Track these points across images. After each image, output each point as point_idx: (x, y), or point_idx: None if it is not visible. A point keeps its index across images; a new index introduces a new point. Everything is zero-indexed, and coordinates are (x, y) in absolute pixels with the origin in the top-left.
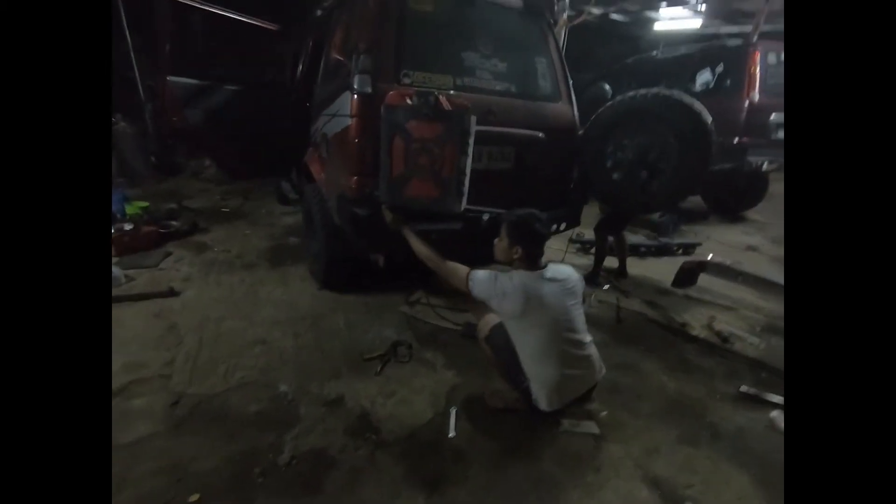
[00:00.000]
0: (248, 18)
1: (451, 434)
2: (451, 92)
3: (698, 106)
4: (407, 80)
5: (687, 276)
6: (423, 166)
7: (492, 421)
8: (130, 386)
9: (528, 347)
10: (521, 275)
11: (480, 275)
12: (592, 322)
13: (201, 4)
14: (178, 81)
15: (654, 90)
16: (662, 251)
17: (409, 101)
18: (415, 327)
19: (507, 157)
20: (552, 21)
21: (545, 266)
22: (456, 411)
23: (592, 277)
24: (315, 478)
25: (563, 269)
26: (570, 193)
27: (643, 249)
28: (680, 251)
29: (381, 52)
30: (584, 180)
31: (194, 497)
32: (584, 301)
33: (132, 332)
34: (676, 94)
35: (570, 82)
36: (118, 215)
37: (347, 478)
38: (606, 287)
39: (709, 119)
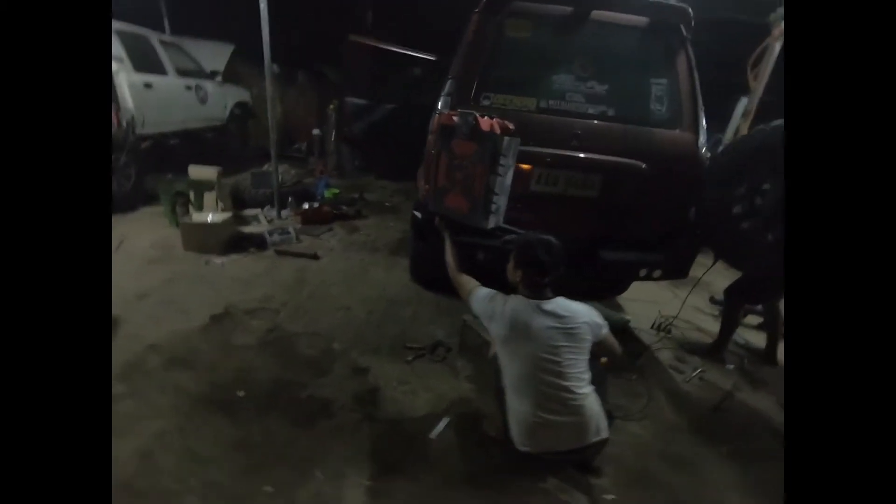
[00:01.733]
0: (410, 51)
1: (432, 436)
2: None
3: None
4: (486, 103)
5: None
6: (458, 181)
7: (476, 444)
8: (258, 310)
9: (509, 377)
10: (517, 300)
11: (481, 292)
12: (680, 399)
13: (375, 43)
14: (352, 101)
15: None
16: None
17: (454, 121)
18: (466, 336)
19: (591, 184)
20: (686, 37)
21: (552, 298)
22: (448, 421)
23: (715, 350)
24: (311, 416)
25: (574, 306)
26: (677, 237)
27: None
28: None
29: (466, 76)
30: (701, 225)
31: (241, 392)
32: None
33: (279, 276)
34: None
35: (700, 106)
36: (318, 196)
37: (331, 428)
38: (731, 367)
39: None
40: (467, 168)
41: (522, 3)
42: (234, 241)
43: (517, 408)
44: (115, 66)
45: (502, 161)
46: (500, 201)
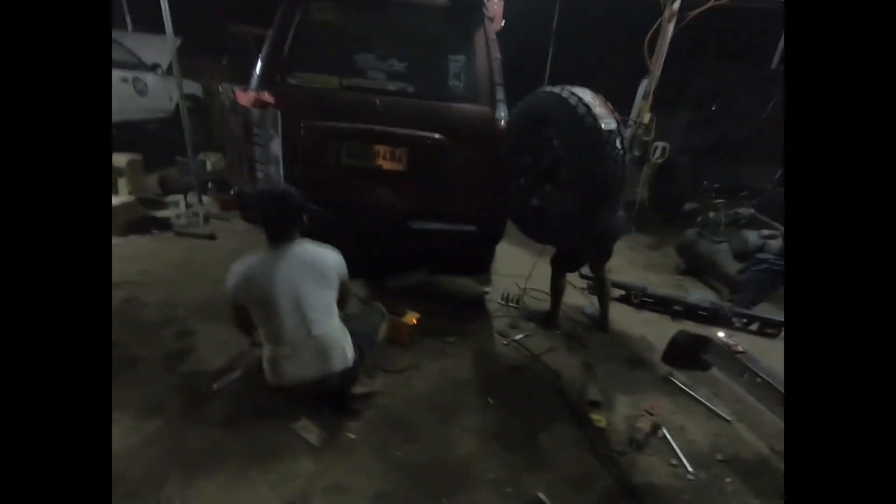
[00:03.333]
0: None
1: (215, 387)
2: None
3: (585, 105)
4: (293, 81)
5: (679, 352)
6: (234, 154)
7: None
8: (124, 283)
9: (259, 322)
10: (252, 258)
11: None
12: (486, 358)
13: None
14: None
15: (550, 87)
16: (715, 319)
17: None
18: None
19: (399, 158)
20: (488, 17)
21: (293, 243)
22: (240, 375)
23: (548, 317)
24: (115, 370)
25: (319, 250)
26: (485, 208)
27: (677, 309)
28: (742, 325)
29: (273, 57)
30: (502, 197)
31: None
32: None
33: (167, 254)
34: (563, 89)
35: (497, 81)
36: None
37: (128, 379)
38: (557, 332)
39: (603, 124)
40: (237, 141)
41: None
42: (138, 224)
43: (267, 347)
44: None
45: (257, 131)
46: (268, 170)
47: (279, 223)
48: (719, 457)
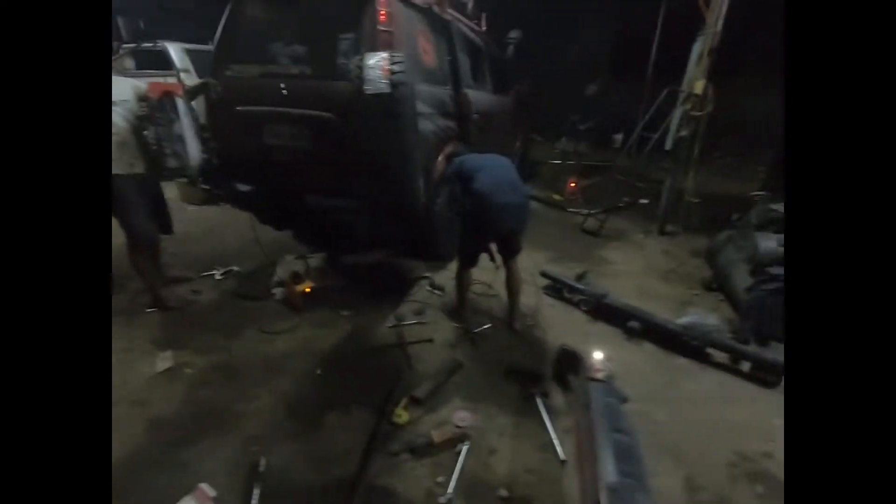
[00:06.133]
0: None
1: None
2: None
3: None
4: (229, 73)
5: (556, 369)
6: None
7: None
8: None
9: None
10: None
11: None
12: (357, 332)
13: None
14: None
15: None
16: (685, 348)
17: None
18: None
19: (303, 136)
20: None
21: None
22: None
23: (456, 312)
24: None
25: None
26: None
27: (633, 325)
28: (729, 362)
29: (217, 52)
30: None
31: None
32: None
33: None
34: None
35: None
36: None
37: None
38: (457, 326)
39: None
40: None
41: None
42: (208, 198)
43: None
44: None
45: (158, 115)
46: (178, 147)
47: None
48: (502, 493)
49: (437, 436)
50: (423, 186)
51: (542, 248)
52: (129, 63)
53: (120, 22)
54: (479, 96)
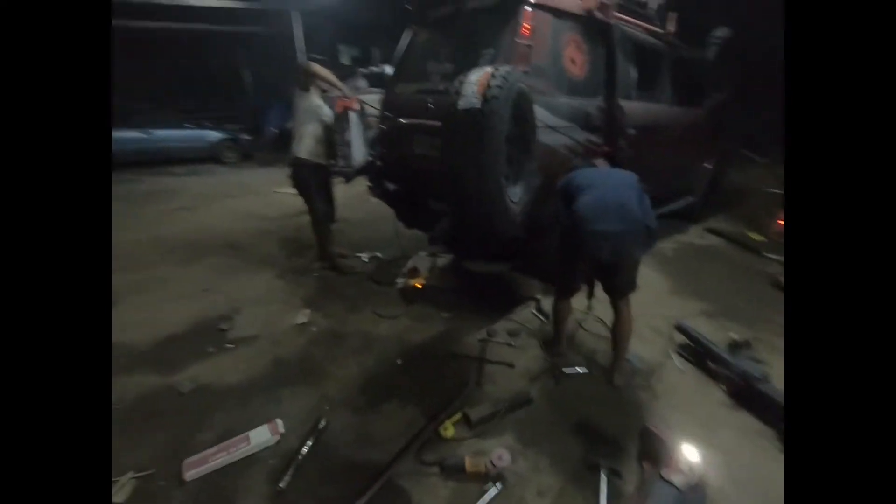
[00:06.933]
0: None
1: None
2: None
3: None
4: (397, 90)
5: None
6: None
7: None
8: None
9: None
10: None
11: None
12: (449, 335)
13: None
14: None
15: None
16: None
17: None
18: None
19: (436, 147)
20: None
21: None
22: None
23: (548, 343)
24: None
25: None
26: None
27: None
28: None
29: (394, 71)
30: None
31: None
32: None
33: None
34: None
35: None
36: None
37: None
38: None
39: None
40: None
41: None
42: None
43: None
44: None
45: (338, 125)
46: (345, 151)
47: None
48: None
49: (469, 464)
50: (509, 200)
51: (698, 295)
52: (363, 83)
53: (340, 48)
54: (642, 108)
